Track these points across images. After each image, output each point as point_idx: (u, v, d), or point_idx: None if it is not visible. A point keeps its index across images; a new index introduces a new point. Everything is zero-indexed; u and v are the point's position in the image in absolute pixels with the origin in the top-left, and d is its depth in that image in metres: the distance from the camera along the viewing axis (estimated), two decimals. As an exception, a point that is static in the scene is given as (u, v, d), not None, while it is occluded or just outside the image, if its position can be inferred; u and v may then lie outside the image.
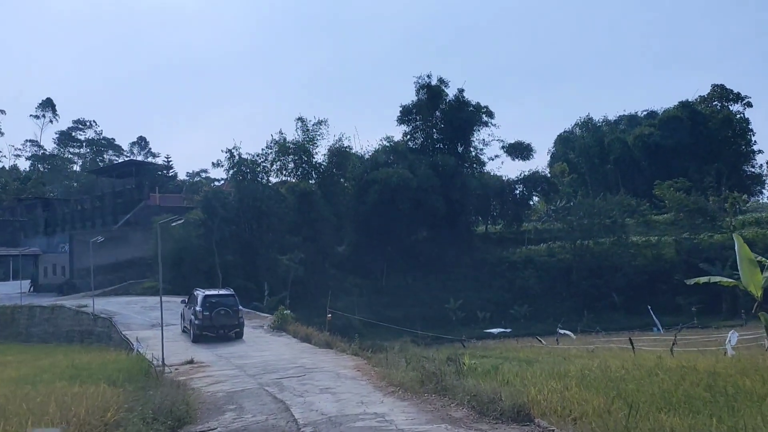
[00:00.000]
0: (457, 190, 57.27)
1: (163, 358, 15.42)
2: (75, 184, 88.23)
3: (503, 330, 39.13)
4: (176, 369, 15.57)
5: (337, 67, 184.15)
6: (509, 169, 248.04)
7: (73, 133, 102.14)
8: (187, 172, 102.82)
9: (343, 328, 41.00)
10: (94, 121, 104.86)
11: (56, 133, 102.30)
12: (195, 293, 25.37)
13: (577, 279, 53.75)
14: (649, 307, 38.69)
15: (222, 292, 25.52)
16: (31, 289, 50.43)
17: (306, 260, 49.84)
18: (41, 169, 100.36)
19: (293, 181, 54.24)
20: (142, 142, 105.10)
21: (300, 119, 54.78)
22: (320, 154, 55.34)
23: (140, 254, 48.34)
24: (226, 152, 49.62)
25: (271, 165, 52.93)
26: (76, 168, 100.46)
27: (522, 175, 63.88)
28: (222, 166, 50.54)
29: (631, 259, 54.52)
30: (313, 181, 54.75)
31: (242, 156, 49.93)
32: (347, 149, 56.28)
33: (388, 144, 59.01)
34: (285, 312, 25.13)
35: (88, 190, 72.97)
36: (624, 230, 57.73)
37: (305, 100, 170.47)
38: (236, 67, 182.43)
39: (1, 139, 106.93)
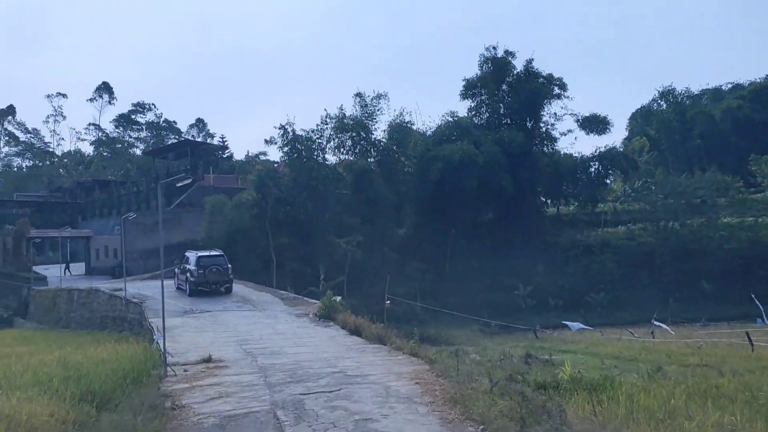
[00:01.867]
0: (526, 168, 52.81)
1: (165, 360, 12.31)
2: (135, 168, 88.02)
3: (583, 326, 35.02)
4: (185, 371, 12.44)
5: (398, 41, 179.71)
6: (583, 145, 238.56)
7: (133, 116, 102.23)
8: (245, 154, 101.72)
9: (403, 316, 38.15)
10: (153, 104, 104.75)
11: (115, 116, 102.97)
12: (187, 254, 29.33)
13: (661, 264, 48.72)
14: (753, 295, 34.05)
15: (212, 253, 29.06)
16: (66, 272, 49.22)
17: (364, 243, 47.11)
18: (104, 153, 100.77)
19: (351, 159, 51.03)
20: (200, 124, 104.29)
21: (358, 94, 51.57)
22: (380, 131, 51.95)
23: (193, 236, 46.58)
24: (280, 128, 46.98)
25: (327, 142, 49.81)
26: (138, 152, 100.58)
27: (597, 151, 58.40)
28: (275, 143, 47.98)
29: (723, 243, 48.81)
30: (372, 159, 51.44)
31: (296, 132, 47.14)
32: (408, 125, 52.69)
33: (451, 119, 55.03)
34: (333, 299, 21.86)
35: (146, 172, 72.37)
36: (715, 210, 52.02)
37: (365, 77, 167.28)
38: (297, 44, 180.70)
39: (63, 122, 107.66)
